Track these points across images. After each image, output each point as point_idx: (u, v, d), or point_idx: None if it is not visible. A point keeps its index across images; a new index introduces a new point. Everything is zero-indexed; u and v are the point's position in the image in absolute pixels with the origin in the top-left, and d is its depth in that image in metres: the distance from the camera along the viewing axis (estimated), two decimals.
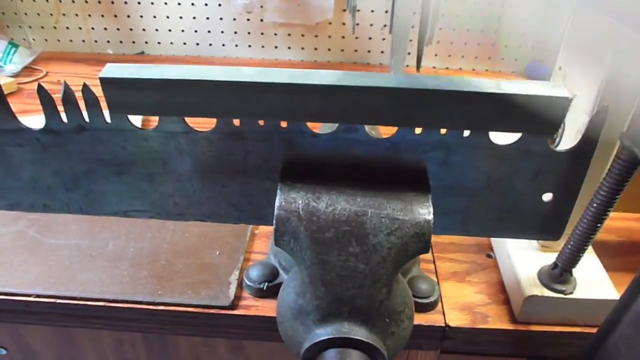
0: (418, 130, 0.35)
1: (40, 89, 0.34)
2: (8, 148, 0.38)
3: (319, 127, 0.49)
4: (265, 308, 0.49)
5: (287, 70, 0.32)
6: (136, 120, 0.36)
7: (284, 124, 0.35)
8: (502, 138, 0.35)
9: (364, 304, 0.33)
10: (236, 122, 0.35)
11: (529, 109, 0.31)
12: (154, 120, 0.35)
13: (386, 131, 0.35)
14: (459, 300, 0.51)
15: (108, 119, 0.36)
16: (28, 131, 0.37)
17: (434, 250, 0.57)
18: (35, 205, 0.42)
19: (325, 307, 0.34)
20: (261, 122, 0.35)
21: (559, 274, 0.46)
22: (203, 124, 0.36)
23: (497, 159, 0.36)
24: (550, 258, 0.48)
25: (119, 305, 0.50)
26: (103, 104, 0.35)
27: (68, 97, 0.35)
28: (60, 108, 0.36)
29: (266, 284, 0.49)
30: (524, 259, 0.50)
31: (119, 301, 0.50)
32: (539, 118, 0.32)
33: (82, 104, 0.35)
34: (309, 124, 0.35)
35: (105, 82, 0.33)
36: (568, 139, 0.44)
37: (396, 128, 0.35)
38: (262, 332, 0.50)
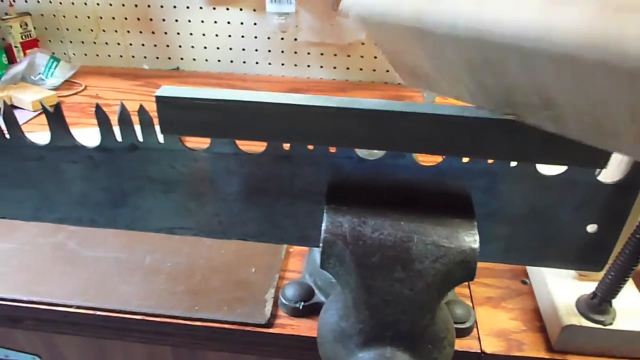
0: (465, 159, 0.35)
1: (98, 109, 0.36)
2: (62, 164, 0.39)
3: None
4: (301, 327, 0.49)
5: (337, 97, 0.33)
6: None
7: (332, 149, 0.35)
8: (548, 168, 0.35)
9: (407, 329, 0.33)
10: (286, 146, 0.36)
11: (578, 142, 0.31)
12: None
13: (424, 157, 0.35)
14: (494, 326, 0.50)
15: (161, 139, 0.37)
16: (83, 148, 0.38)
17: None
18: (83, 220, 0.43)
19: (369, 331, 0.34)
20: (311, 147, 0.35)
21: (598, 303, 0.45)
22: (251, 145, 0.37)
23: (543, 188, 0.36)
24: (587, 287, 0.47)
25: (156, 320, 0.50)
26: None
27: (124, 118, 0.36)
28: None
29: (302, 303, 0.49)
30: (562, 287, 0.49)
31: (157, 315, 0.50)
32: (587, 151, 0.32)
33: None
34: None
35: (160, 101, 0.33)
36: (611, 170, 0.44)
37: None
38: (297, 351, 0.50)
